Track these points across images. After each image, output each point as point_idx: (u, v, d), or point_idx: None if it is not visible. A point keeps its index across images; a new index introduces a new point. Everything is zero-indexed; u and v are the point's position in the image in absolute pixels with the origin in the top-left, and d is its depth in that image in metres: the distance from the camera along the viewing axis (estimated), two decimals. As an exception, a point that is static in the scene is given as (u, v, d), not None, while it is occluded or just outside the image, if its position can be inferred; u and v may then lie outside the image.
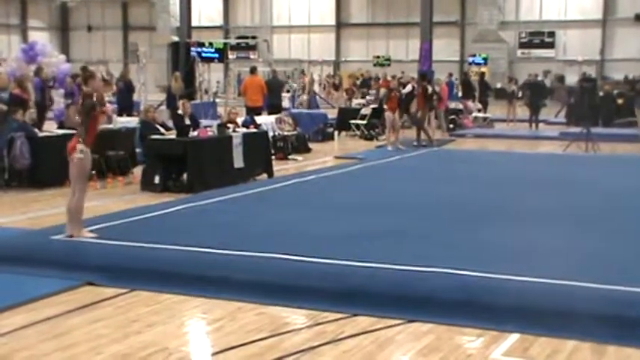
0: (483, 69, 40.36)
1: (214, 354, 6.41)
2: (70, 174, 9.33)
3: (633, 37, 46.41)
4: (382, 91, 26.00)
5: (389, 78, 27.43)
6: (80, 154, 9.03)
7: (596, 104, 26.22)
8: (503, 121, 30.56)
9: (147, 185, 13.86)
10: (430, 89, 22.81)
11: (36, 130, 14.97)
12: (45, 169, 14.13)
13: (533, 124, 27.95)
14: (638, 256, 8.71)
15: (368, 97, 30.06)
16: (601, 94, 28.50)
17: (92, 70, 10.19)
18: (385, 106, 21.98)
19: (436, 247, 8.97)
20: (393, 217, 10.81)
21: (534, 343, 6.58)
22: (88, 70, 9.38)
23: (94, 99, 9.18)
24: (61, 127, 16.30)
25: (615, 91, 29.99)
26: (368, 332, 6.82)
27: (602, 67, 46.07)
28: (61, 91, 21.41)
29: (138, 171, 14.88)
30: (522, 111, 30.83)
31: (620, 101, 28.18)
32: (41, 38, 44.73)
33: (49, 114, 19.75)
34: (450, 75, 34.60)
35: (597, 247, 9.10)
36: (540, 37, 48.75)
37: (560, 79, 36.20)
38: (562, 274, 7.52)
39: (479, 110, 29.98)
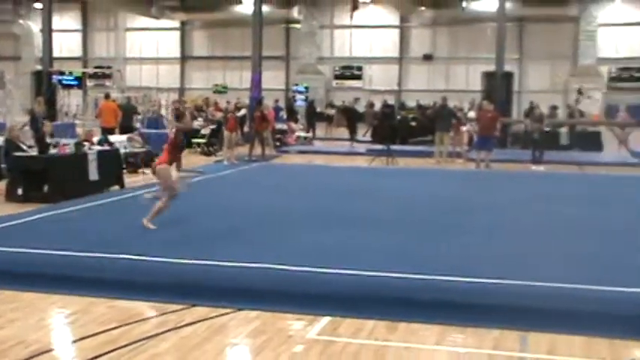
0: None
1: (69, 343, 6.20)
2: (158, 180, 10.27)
3: (422, 73, 48.38)
4: (218, 114, 25.84)
5: (231, 102, 27.33)
6: (163, 167, 9.88)
7: (395, 126, 27.01)
8: (322, 139, 31.00)
9: (11, 196, 13.28)
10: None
11: None
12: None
13: (349, 142, 28.43)
14: (426, 249, 8.99)
15: (199, 119, 29.73)
16: (399, 117, 29.35)
17: (183, 110, 10.76)
18: (224, 127, 21.92)
19: (262, 247, 8.96)
20: (226, 220, 10.75)
21: (342, 323, 6.71)
22: (180, 109, 9.93)
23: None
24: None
25: (410, 116, 30.97)
26: (204, 320, 6.77)
27: (400, 96, 47.51)
28: None
29: (2, 184, 14.19)
30: (337, 131, 31.40)
31: (413, 124, 29.12)
32: None
33: None
34: (277, 101, 34.81)
35: (395, 243, 9.33)
36: (351, 71, 49.74)
37: (371, 105, 37.12)
38: (365, 266, 7.69)
39: (304, 130, 30.39)
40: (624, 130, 26.79)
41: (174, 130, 10.22)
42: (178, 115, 10.26)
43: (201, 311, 6.98)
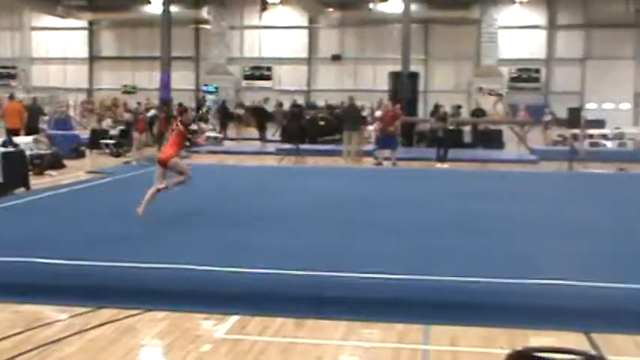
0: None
1: (-29, 350, 6.01)
2: (171, 170, 10.96)
3: (331, 73, 48.78)
4: (126, 115, 25.41)
5: (142, 103, 27.02)
6: (175, 159, 10.82)
7: (303, 125, 27.10)
8: (233, 139, 30.87)
9: None
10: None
11: None
12: None
13: (259, 142, 28.42)
14: (333, 246, 9.04)
15: (108, 120, 29.22)
16: (308, 117, 29.45)
17: (186, 106, 11.44)
18: (133, 128, 21.62)
19: (170, 247, 8.85)
20: (134, 221, 10.55)
21: (250, 322, 6.71)
22: (183, 105, 10.74)
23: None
24: None
25: (320, 115, 31.13)
26: (111, 322, 6.65)
27: (309, 96, 47.76)
28: None
29: None
30: (247, 131, 31.33)
31: (322, 123, 29.24)
32: None
33: None
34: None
35: (303, 240, 9.37)
36: (260, 71, 49.74)
37: (280, 105, 37.19)
38: (273, 264, 7.71)
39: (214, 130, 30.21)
40: (524, 129, 27.64)
41: (179, 125, 11.00)
42: (181, 112, 11.12)
43: (108, 313, 6.87)
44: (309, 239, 9.51)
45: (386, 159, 21.12)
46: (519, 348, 3.46)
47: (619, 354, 6.04)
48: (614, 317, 6.62)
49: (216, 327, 6.57)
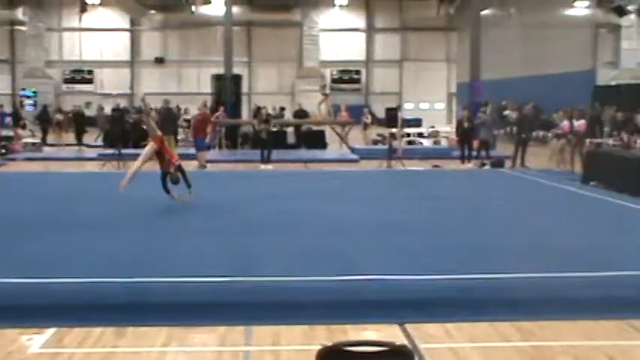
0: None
1: None
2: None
3: (154, 75, 48.07)
4: None
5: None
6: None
7: (127, 130, 26.48)
8: (53, 145, 29.64)
9: None
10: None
11: None
12: None
13: (79, 147, 27.48)
14: (146, 252, 8.83)
15: None
16: (131, 121, 28.80)
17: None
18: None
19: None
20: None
21: (69, 334, 6.47)
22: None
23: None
24: None
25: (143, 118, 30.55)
26: None
27: (133, 100, 46.77)
28: None
29: None
30: (67, 137, 30.22)
31: (145, 127, 28.59)
32: None
33: None
34: (1, 107, 32.89)
35: (117, 246, 9.10)
36: (81, 75, 48.22)
37: (102, 109, 36.17)
38: (88, 273, 7.47)
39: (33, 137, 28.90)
40: (345, 129, 28.36)
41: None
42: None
43: None
44: (127, 246, 9.28)
45: (208, 161, 21.05)
46: (329, 344, 3.55)
47: (430, 342, 6.34)
48: (425, 308, 6.95)
49: (30, 342, 6.28)
